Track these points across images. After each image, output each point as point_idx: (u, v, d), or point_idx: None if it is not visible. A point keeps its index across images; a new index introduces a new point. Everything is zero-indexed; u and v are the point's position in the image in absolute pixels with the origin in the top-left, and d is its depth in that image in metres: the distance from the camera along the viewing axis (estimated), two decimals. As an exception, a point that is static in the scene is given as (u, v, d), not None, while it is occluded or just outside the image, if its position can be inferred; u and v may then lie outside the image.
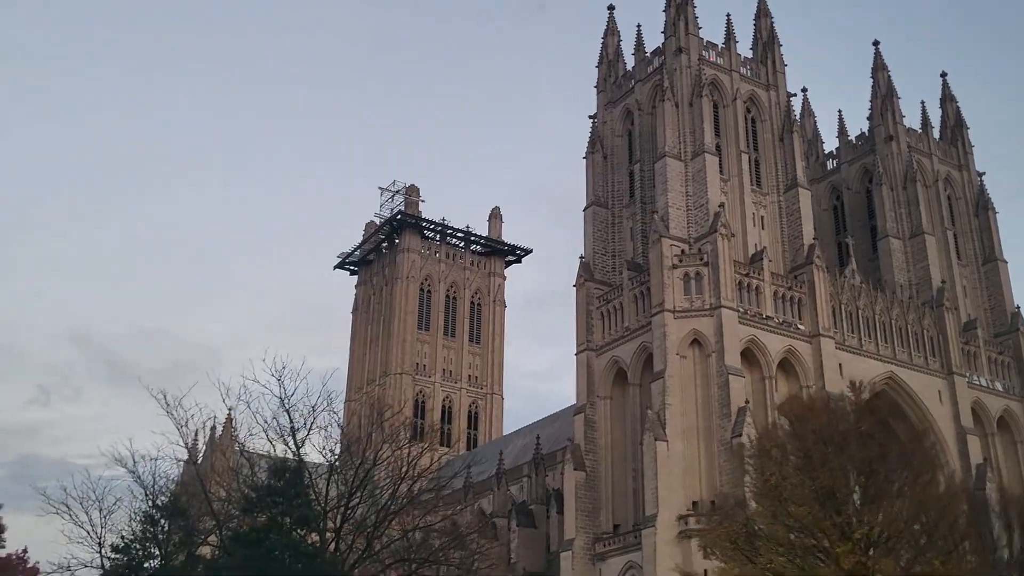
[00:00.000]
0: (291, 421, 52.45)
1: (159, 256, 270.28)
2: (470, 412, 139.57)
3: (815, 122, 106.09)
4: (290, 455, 51.82)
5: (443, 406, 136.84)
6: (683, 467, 71.07)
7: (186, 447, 55.09)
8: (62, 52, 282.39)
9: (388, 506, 54.76)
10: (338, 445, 55.96)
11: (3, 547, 60.16)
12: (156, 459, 55.94)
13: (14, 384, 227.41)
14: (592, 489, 77.89)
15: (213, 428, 71.72)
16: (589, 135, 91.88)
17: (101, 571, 54.39)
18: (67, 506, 55.90)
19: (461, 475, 76.66)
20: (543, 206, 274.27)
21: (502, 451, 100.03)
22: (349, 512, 53.28)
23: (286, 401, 52.30)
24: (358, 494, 53.39)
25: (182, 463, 55.83)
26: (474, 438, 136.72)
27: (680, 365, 74.19)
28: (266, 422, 52.79)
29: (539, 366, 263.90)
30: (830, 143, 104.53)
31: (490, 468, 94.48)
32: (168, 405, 53.50)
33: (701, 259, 76.85)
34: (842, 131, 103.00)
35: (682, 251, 77.71)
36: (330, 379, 58.08)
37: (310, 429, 53.02)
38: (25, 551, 61.11)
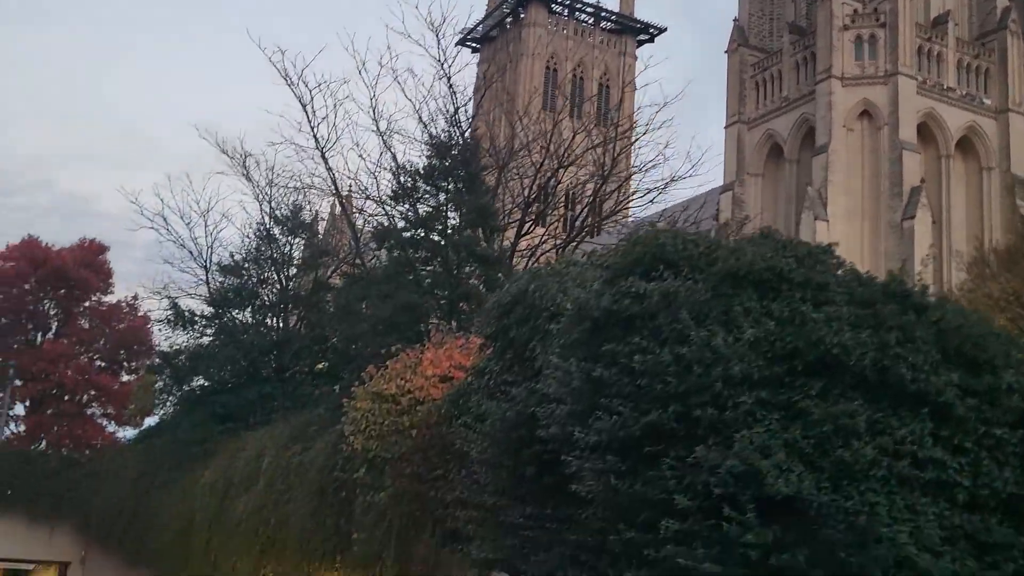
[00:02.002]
0: (453, 95, 39.64)
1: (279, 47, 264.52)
2: (595, 199, 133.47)
3: None
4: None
5: (567, 190, 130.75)
6: (845, 251, 64.14)
7: (311, 124, 41.37)
8: None
9: (583, 217, 42.35)
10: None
11: (112, 292, 57.05)
12: (278, 144, 43.83)
13: (145, 171, 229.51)
14: (738, 273, 72.28)
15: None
16: None
17: (207, 298, 43.73)
18: (164, 219, 45.63)
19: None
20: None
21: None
22: (528, 223, 41.57)
23: (446, 66, 39.93)
24: (537, 202, 42.29)
25: (303, 152, 43.24)
26: (598, 227, 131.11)
27: (846, 139, 66.43)
28: (421, 91, 41.00)
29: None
30: None
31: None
32: (285, 70, 40.69)
33: (877, 20, 67.56)
34: None
35: (855, 11, 68.40)
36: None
37: (475, 114, 40.90)
38: (136, 297, 57.89)
